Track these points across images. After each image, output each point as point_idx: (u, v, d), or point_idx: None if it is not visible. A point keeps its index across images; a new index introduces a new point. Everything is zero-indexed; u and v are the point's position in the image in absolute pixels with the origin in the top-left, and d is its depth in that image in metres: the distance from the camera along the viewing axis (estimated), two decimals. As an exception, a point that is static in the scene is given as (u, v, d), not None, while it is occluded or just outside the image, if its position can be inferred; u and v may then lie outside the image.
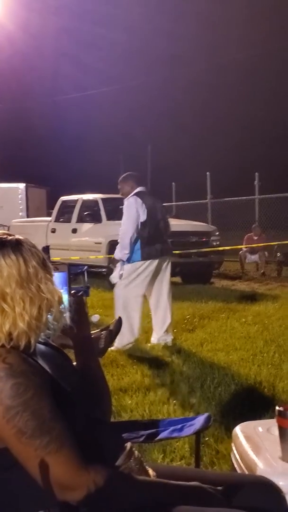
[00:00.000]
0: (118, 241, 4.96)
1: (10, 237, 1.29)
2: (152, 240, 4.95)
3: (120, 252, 4.93)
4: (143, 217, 4.91)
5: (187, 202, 15.54)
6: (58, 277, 1.40)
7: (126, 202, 5.00)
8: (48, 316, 1.30)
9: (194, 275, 9.87)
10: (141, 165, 24.87)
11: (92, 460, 1.25)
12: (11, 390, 1.17)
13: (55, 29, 22.87)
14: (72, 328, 1.41)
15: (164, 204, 14.11)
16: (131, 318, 4.93)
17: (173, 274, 10.01)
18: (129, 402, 3.47)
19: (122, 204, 13.58)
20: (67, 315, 1.39)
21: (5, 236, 1.29)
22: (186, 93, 24.21)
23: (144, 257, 4.92)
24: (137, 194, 4.98)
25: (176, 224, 10.58)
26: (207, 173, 14.30)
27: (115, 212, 10.79)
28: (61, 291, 1.37)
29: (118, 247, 4.96)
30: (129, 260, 4.95)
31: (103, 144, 23.88)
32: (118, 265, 4.97)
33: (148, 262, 4.96)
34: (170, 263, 5.22)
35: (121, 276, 4.99)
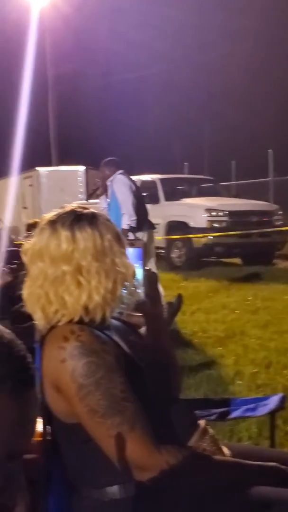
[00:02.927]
0: (122, 212, 5.09)
1: (86, 211, 1.28)
2: (141, 213, 5.27)
3: (129, 220, 5.09)
4: (133, 188, 5.28)
5: (248, 181, 15.17)
6: (133, 253, 1.38)
7: (113, 180, 5.29)
8: (123, 290, 1.29)
9: (254, 256, 9.65)
10: (199, 144, 24.53)
11: (165, 438, 1.23)
12: (83, 369, 1.17)
13: (109, 10, 22.66)
14: (146, 303, 1.39)
15: (222, 183, 13.77)
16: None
17: (232, 255, 9.95)
18: (192, 381, 3.45)
19: (180, 185, 13.36)
20: (140, 290, 1.37)
21: (80, 210, 1.28)
22: (246, 70, 23.48)
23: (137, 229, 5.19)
24: (120, 174, 5.32)
25: (236, 204, 10.39)
26: (269, 150, 13.88)
27: (173, 192, 10.72)
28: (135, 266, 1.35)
29: (124, 216, 5.11)
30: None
31: (160, 124, 23.69)
32: (130, 234, 5.08)
33: (142, 234, 5.15)
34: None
35: None
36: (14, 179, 14.80)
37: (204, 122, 24.99)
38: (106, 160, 5.54)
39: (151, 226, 5.47)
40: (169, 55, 23.95)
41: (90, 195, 7.31)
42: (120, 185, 5.24)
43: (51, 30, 18.43)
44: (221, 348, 4.24)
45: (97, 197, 5.97)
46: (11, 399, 0.52)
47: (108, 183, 5.42)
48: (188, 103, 24.21)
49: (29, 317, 1.31)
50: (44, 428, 1.26)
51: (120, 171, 5.39)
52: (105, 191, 5.54)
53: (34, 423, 0.58)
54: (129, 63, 23.57)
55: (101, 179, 5.68)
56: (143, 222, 5.32)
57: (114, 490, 1.24)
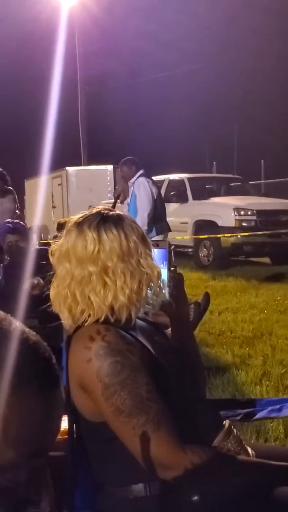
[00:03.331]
0: (137, 219, 5.23)
1: (112, 212, 1.31)
2: (161, 217, 5.46)
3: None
4: (154, 195, 5.34)
5: (277, 180, 14.98)
6: (158, 254, 1.39)
7: (135, 182, 5.36)
8: (148, 291, 1.30)
9: (284, 255, 9.53)
10: (227, 143, 24.34)
11: (189, 438, 1.24)
12: (109, 369, 1.18)
13: (136, 8, 22.62)
14: (171, 304, 1.40)
15: (251, 182, 13.72)
16: None
17: (261, 254, 9.84)
18: (219, 382, 3.44)
19: (209, 184, 13.29)
20: (166, 290, 1.38)
21: (106, 211, 1.30)
22: (275, 69, 23.17)
23: (158, 232, 5.33)
24: (142, 175, 5.36)
25: (265, 203, 10.26)
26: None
27: (201, 191, 10.67)
28: (160, 266, 1.36)
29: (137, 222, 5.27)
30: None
31: (188, 124, 23.62)
32: None
33: (161, 236, 5.29)
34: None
35: None
36: (44, 179, 14.98)
37: (233, 121, 24.80)
38: (124, 160, 5.53)
39: (168, 229, 5.59)
40: (198, 54, 23.84)
41: (113, 206, 7.36)
42: (141, 191, 5.28)
43: (80, 29, 18.52)
44: (248, 349, 4.21)
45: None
46: (37, 399, 0.53)
47: (130, 184, 5.46)
48: (217, 103, 24.05)
49: (56, 317, 1.33)
50: (71, 426, 1.28)
51: (141, 172, 5.40)
52: (126, 196, 5.64)
53: (59, 422, 0.60)
54: (157, 63, 23.57)
55: (122, 179, 5.73)
56: (161, 225, 5.42)
57: (139, 488, 1.25)
